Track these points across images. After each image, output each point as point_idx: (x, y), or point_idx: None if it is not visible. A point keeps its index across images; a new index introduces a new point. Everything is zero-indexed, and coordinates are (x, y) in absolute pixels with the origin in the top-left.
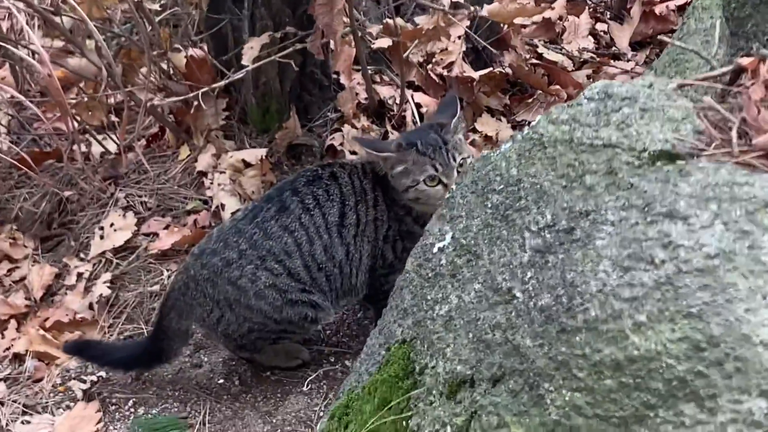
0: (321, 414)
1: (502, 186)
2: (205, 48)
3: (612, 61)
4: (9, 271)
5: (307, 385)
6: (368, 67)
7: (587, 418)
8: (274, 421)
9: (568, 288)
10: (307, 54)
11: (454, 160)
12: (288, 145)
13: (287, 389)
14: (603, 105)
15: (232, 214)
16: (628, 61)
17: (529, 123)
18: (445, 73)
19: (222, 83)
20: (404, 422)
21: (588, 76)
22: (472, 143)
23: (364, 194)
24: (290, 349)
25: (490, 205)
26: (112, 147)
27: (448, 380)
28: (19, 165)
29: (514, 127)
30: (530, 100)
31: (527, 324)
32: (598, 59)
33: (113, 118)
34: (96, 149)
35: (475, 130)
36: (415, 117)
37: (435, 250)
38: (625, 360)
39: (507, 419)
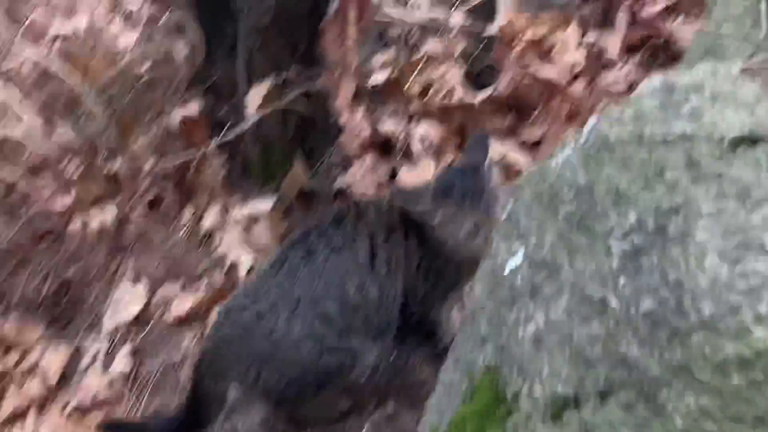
0: None
1: (571, 195)
2: (198, 106)
3: (605, 70)
4: (20, 359)
5: None
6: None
7: (718, 421)
8: None
9: (673, 288)
10: (310, 96)
11: None
12: (297, 193)
13: None
14: (668, 97)
15: (248, 270)
16: (621, 68)
17: (536, 143)
18: (445, 101)
19: (225, 139)
20: None
21: (584, 89)
22: None
23: (393, 229)
24: (330, 400)
25: (561, 217)
26: (109, 219)
27: (549, 403)
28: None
29: (521, 146)
30: (532, 119)
31: (630, 332)
32: (592, 71)
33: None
34: (94, 223)
35: None
36: (421, 147)
37: (507, 271)
38: (752, 355)
39: None
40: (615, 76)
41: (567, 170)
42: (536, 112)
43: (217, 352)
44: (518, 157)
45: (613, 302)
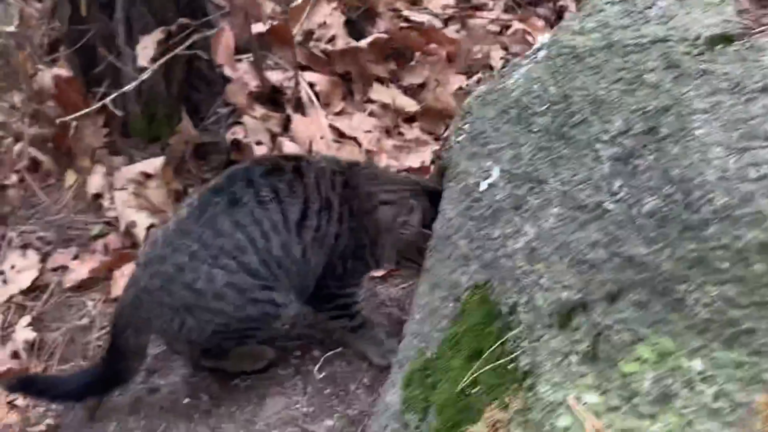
0: (304, 409)
1: (544, 107)
2: (70, 65)
3: (476, 12)
4: None
5: (282, 385)
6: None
7: (743, 308)
8: (257, 427)
9: (678, 185)
10: (195, 49)
11: None
12: (184, 150)
13: (261, 393)
14: (632, 4)
15: (148, 229)
16: (491, 9)
17: (419, 86)
18: (329, 48)
19: (110, 98)
20: (508, 365)
21: (457, 31)
22: (371, 113)
23: (330, 206)
24: (255, 350)
25: (536, 129)
26: None
27: (554, 310)
28: None
29: (405, 92)
30: (413, 63)
31: (634, 233)
32: (463, 13)
33: None
34: None
35: (370, 101)
36: (311, 97)
37: (483, 188)
38: None
39: (642, 332)
40: (487, 17)
41: (533, 84)
42: (416, 58)
43: (137, 304)
44: (405, 101)
45: (611, 206)
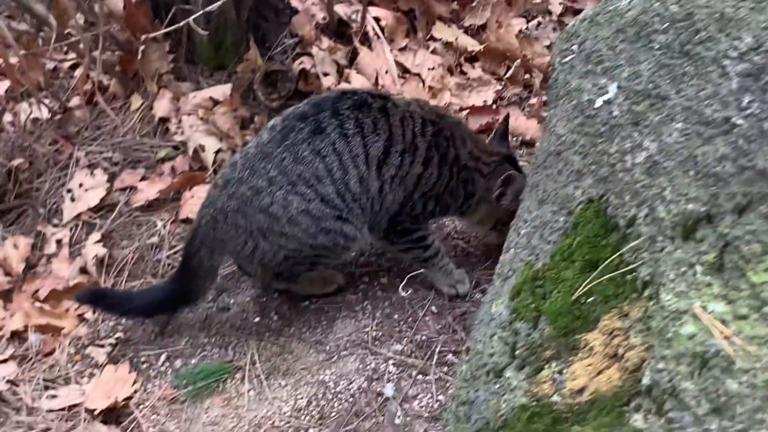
0: (373, 333)
1: (666, 25)
2: None
3: None
4: None
5: (351, 309)
6: None
7: None
8: (328, 348)
9: None
10: None
11: None
12: (251, 78)
13: (331, 315)
14: None
15: (216, 153)
16: None
17: (480, 27)
18: None
19: (182, 23)
20: (626, 276)
21: None
22: (434, 51)
23: (415, 149)
24: (326, 275)
25: (657, 47)
26: (43, 111)
27: (677, 222)
28: None
29: (465, 32)
30: (474, 4)
31: (766, 146)
32: None
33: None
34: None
35: (432, 39)
36: (377, 32)
37: (598, 104)
38: None
39: None
40: None
41: (653, 3)
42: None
43: (213, 225)
44: (468, 40)
45: (740, 121)
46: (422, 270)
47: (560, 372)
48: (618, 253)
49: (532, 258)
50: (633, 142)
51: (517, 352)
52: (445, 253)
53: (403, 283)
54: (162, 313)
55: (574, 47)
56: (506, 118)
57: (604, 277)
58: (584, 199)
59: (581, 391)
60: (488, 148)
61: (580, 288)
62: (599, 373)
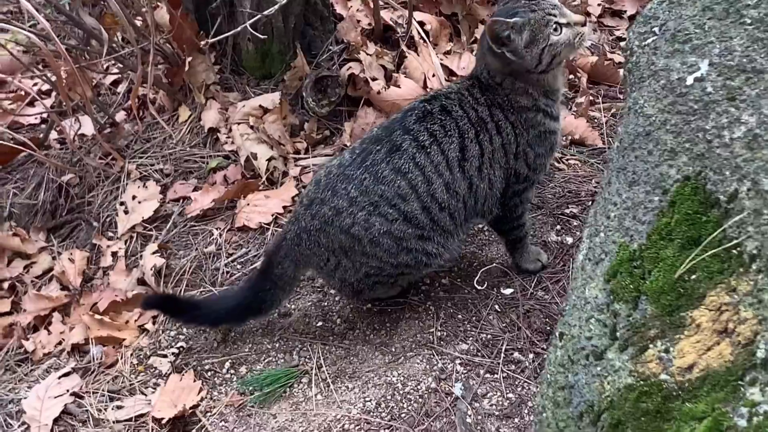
0: (438, 333)
1: (756, 0)
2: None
3: None
4: (26, 268)
5: (415, 310)
6: None
7: None
8: (394, 349)
9: None
10: None
11: None
12: (299, 85)
13: (394, 317)
14: None
15: (268, 161)
16: None
17: None
18: None
19: (230, 33)
20: (731, 251)
21: None
22: None
23: (484, 124)
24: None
25: (749, 22)
26: (88, 127)
27: None
28: None
29: None
30: None
31: None
32: None
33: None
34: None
35: (475, 41)
36: (422, 36)
37: (689, 82)
38: None
39: None
40: None
41: None
42: None
43: (298, 241)
44: None
45: None
46: (494, 264)
47: (666, 351)
48: (721, 229)
49: (626, 239)
50: (730, 117)
51: (618, 333)
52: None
53: (477, 278)
54: (229, 322)
55: (655, 29)
56: None
57: (708, 254)
58: (680, 177)
59: (691, 368)
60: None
61: (683, 265)
62: (709, 349)
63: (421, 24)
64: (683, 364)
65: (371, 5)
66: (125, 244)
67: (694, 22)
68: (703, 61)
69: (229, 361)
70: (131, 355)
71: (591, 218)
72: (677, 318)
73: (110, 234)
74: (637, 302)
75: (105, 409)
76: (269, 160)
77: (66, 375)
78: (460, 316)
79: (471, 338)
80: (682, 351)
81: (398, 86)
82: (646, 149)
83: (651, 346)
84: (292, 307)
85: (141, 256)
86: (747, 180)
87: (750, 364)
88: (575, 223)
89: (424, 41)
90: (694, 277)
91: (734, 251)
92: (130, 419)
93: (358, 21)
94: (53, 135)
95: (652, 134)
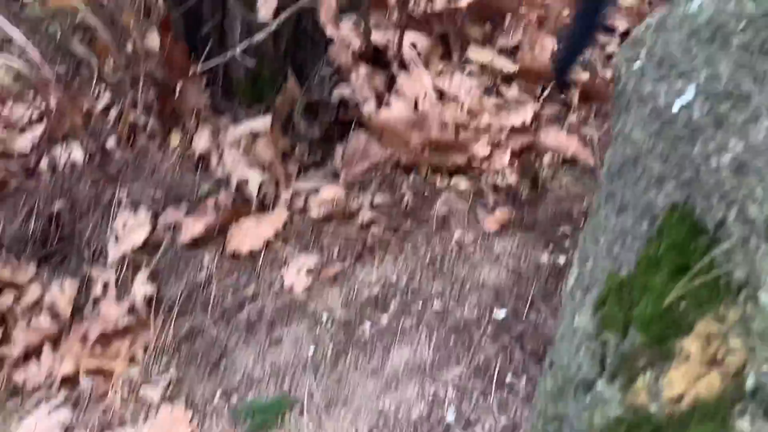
0: (431, 358)
1: (743, 24)
2: (178, 25)
3: None
4: (16, 298)
5: (407, 334)
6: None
7: None
8: (385, 375)
9: None
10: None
11: None
12: (290, 109)
13: (386, 342)
14: None
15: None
16: None
17: (514, 47)
18: (427, 10)
19: (223, 57)
20: (719, 279)
21: None
22: (469, 74)
23: None
24: None
25: (735, 48)
26: (79, 154)
27: None
28: None
29: (500, 53)
30: (506, 26)
31: None
32: None
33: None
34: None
35: (467, 61)
36: (413, 57)
37: (676, 108)
38: None
39: None
40: None
41: (726, 4)
42: (508, 20)
43: None
44: (503, 61)
45: None
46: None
47: (656, 380)
48: (709, 256)
49: (615, 267)
50: (717, 143)
51: (607, 363)
52: None
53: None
54: None
55: (642, 54)
56: None
57: (696, 281)
58: (668, 203)
59: (680, 399)
60: None
61: (672, 293)
62: (698, 379)
63: (413, 45)
64: (673, 395)
65: (362, 27)
66: (116, 272)
67: (681, 48)
68: (690, 87)
69: (220, 390)
70: (121, 385)
71: (581, 243)
72: (666, 347)
73: (101, 262)
74: (627, 331)
75: None
76: (261, 184)
77: (56, 408)
78: (452, 340)
79: (464, 362)
80: (671, 381)
81: (390, 108)
82: (634, 175)
83: (640, 376)
84: (284, 333)
85: (132, 284)
86: (734, 207)
87: (739, 395)
88: (567, 244)
89: (415, 62)
90: (683, 305)
91: (722, 279)
92: None
93: (349, 43)
94: (44, 162)
95: (639, 160)
